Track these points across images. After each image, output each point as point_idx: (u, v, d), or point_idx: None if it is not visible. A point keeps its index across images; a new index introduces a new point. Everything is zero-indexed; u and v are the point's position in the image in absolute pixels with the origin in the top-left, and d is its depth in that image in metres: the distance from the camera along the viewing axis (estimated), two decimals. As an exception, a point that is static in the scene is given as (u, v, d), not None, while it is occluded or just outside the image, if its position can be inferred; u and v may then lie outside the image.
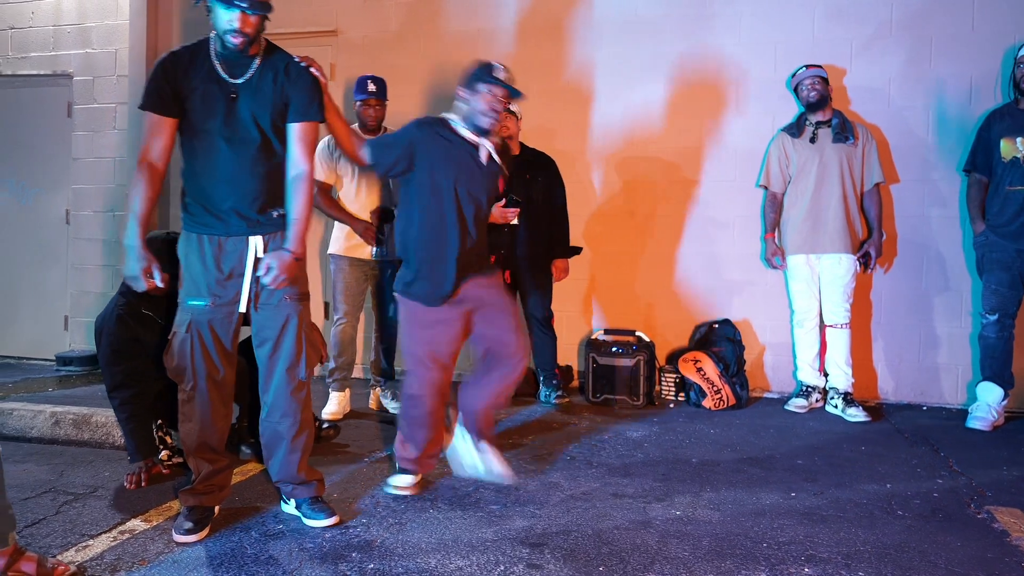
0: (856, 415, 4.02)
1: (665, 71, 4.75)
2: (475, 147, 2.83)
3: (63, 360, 5.45)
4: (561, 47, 4.91)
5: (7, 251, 5.84)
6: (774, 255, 4.37)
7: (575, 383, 4.80)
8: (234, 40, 2.32)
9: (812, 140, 4.20)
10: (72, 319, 5.72)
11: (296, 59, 2.51)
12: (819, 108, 4.17)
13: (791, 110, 4.51)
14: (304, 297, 2.51)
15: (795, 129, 4.29)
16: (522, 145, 4.30)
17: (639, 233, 4.81)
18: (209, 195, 2.43)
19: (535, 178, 4.24)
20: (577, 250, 4.39)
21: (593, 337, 4.57)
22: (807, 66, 4.20)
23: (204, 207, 2.44)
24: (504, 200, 3.95)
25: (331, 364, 4.04)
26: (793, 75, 4.27)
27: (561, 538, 2.43)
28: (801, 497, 2.84)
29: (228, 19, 2.29)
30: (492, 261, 4.10)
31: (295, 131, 2.45)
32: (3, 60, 5.79)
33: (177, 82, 2.37)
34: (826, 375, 4.30)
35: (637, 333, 4.53)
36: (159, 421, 3.08)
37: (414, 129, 2.81)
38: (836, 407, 4.16)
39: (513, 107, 4.14)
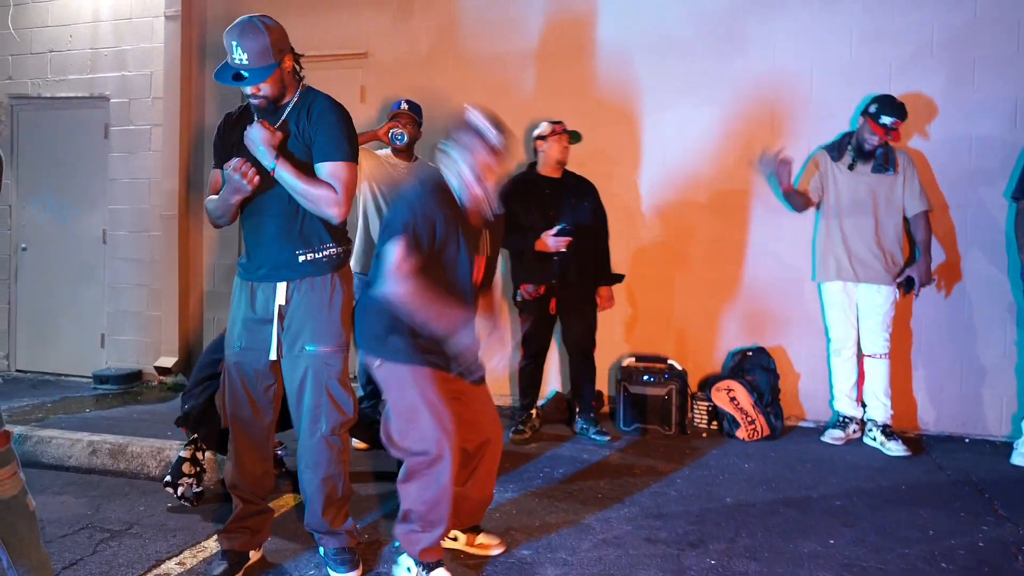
0: (896, 449, 3.92)
1: (697, 93, 4.68)
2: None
3: (100, 378, 5.56)
4: (591, 69, 4.87)
5: (46, 269, 5.96)
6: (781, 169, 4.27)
7: (605, 409, 4.76)
8: (254, 103, 2.39)
9: (851, 167, 4.11)
10: (108, 337, 5.82)
11: (324, 99, 2.46)
12: (868, 157, 4.07)
13: (827, 131, 4.42)
14: (337, 350, 2.44)
15: (835, 151, 4.18)
16: (565, 171, 4.21)
17: (670, 257, 4.75)
18: (249, 241, 2.50)
19: (579, 205, 4.16)
20: (620, 277, 4.32)
21: (624, 364, 4.52)
22: (893, 117, 3.90)
23: (248, 253, 2.51)
24: (555, 229, 3.93)
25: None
26: (876, 114, 3.95)
27: (594, 590, 2.40)
28: (840, 545, 2.77)
29: (247, 90, 2.36)
30: (544, 291, 4.09)
31: (321, 170, 2.39)
32: (43, 83, 5.92)
33: (226, 138, 2.50)
34: (864, 405, 4.20)
35: (669, 361, 4.47)
36: (195, 436, 3.14)
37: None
38: (875, 439, 4.06)
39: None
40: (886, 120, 3.93)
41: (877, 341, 4.08)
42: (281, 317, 2.43)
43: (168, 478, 3.10)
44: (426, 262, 2.36)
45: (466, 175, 2.43)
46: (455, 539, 2.71)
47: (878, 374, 4.08)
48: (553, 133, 4.10)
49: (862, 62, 4.43)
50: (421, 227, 2.34)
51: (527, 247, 4.03)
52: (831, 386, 4.35)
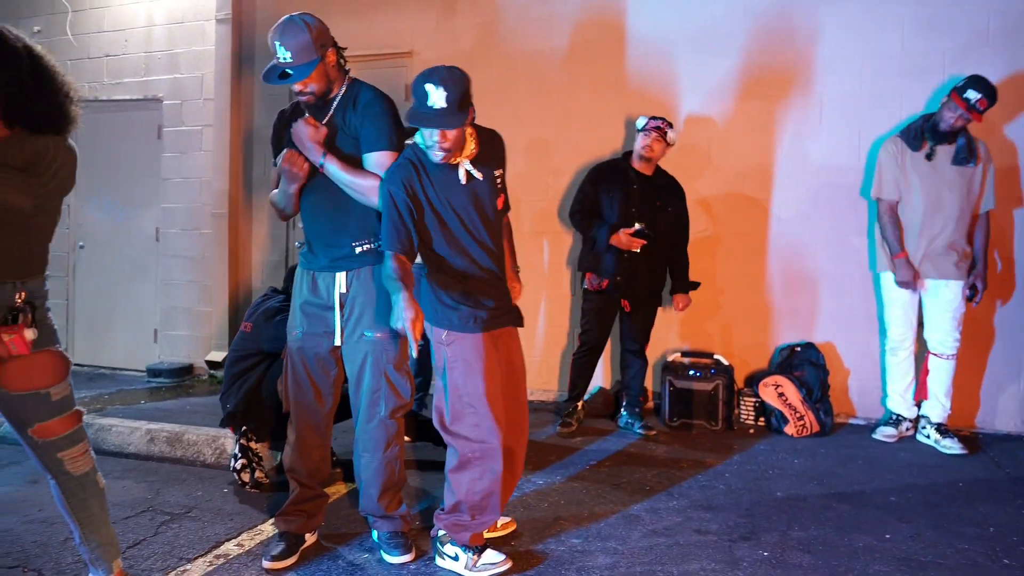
0: (952, 447, 3.83)
1: (743, 87, 4.64)
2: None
3: (153, 372, 5.70)
4: (635, 65, 4.86)
5: (102, 267, 6.15)
6: (914, 279, 3.90)
7: (650, 404, 4.74)
8: (302, 99, 2.46)
9: (929, 157, 3.91)
10: (161, 332, 5.98)
11: (369, 90, 2.52)
12: (948, 139, 3.87)
13: (878, 124, 4.34)
14: (392, 336, 2.49)
15: (915, 140, 3.96)
16: (658, 168, 4.16)
17: (717, 252, 4.71)
18: (308, 233, 2.58)
19: (665, 207, 4.11)
20: (696, 285, 4.28)
21: (670, 359, 4.50)
22: (980, 97, 3.68)
23: (308, 245, 2.58)
24: (633, 229, 3.92)
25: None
26: (962, 91, 3.74)
27: (646, 578, 2.40)
28: (896, 540, 2.73)
29: (295, 87, 2.42)
30: (605, 285, 4.08)
31: (367, 161, 2.45)
32: (99, 86, 6.11)
33: (281, 134, 2.58)
34: (919, 404, 4.10)
35: (715, 356, 4.44)
36: (245, 429, 3.23)
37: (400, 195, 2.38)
38: (929, 437, 3.97)
39: (670, 134, 4.04)
40: (971, 95, 3.70)
41: (946, 341, 3.91)
42: (342, 304, 2.49)
43: (235, 465, 3.22)
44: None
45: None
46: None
47: (943, 374, 3.93)
48: (644, 128, 4.04)
49: (914, 53, 4.34)
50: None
51: (601, 238, 4.03)
52: (884, 384, 4.26)
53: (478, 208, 2.45)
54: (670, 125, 4.06)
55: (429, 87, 2.24)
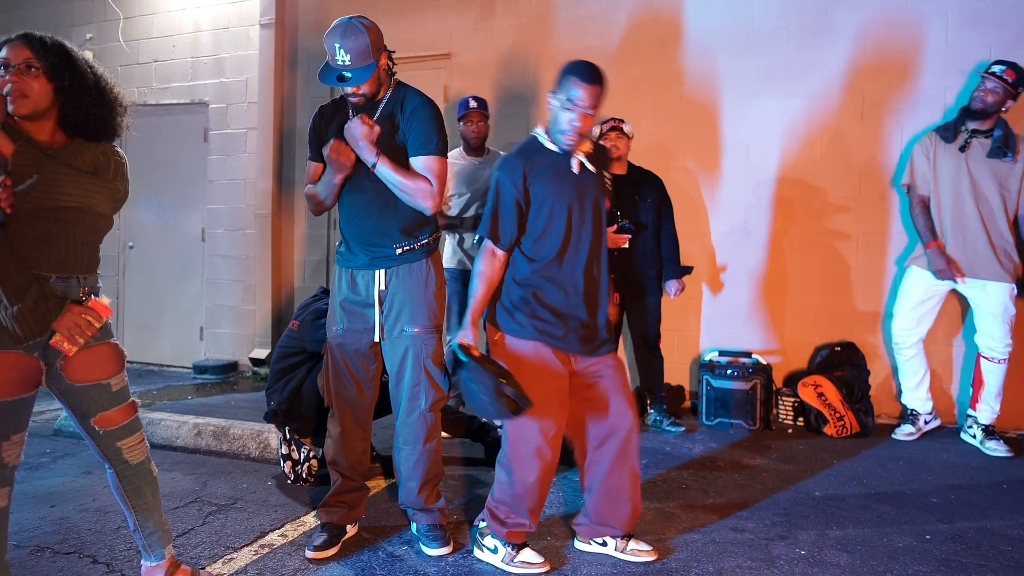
0: (996, 449, 3.75)
1: (783, 84, 4.60)
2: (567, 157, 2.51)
3: (199, 368, 5.87)
4: (674, 63, 4.85)
5: (151, 266, 6.35)
6: (949, 265, 3.79)
7: (686, 404, 4.73)
8: (354, 100, 2.51)
9: (962, 149, 3.83)
10: (207, 330, 6.15)
11: (416, 94, 2.58)
12: (981, 118, 3.78)
13: (921, 120, 4.28)
14: (430, 330, 2.57)
15: (948, 132, 3.89)
16: (630, 164, 4.27)
17: (756, 250, 4.68)
18: (347, 232, 2.62)
19: (644, 199, 4.21)
20: (688, 269, 4.32)
21: (708, 359, 4.48)
22: (1006, 68, 3.68)
23: (346, 243, 2.64)
24: (616, 226, 3.95)
25: None
26: (986, 68, 3.80)
27: (682, 573, 2.41)
28: (937, 540, 2.69)
29: (347, 89, 2.47)
30: None
31: (416, 164, 2.51)
32: (148, 91, 6.31)
33: (322, 132, 2.62)
34: (968, 400, 4.02)
35: (754, 355, 4.41)
36: (288, 428, 3.32)
37: (509, 185, 2.45)
38: (975, 437, 3.89)
39: (626, 127, 4.14)
40: (996, 68, 3.72)
41: (998, 345, 3.80)
42: (380, 301, 2.55)
43: (299, 456, 3.34)
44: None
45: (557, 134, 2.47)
46: (604, 544, 2.57)
47: (994, 378, 3.84)
48: (603, 135, 4.12)
49: (959, 47, 4.26)
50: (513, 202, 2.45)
51: None
52: (897, 382, 4.21)
53: (582, 201, 2.48)
54: (622, 120, 4.13)
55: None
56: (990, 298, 3.81)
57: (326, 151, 2.49)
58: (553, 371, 2.45)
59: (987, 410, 3.88)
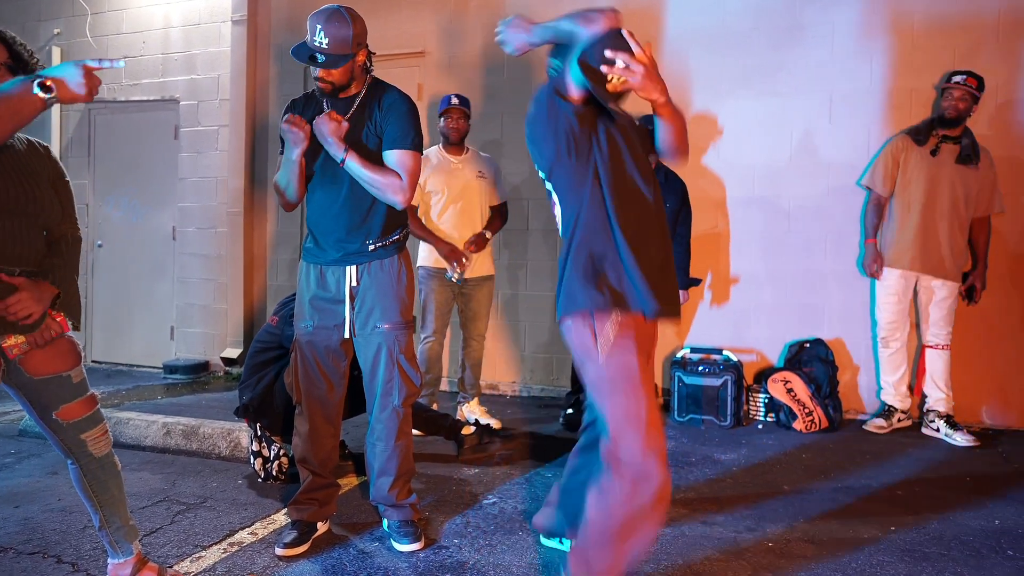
0: (961, 439, 3.85)
1: (754, 84, 4.66)
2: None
3: (170, 368, 5.80)
4: (646, 62, 4.88)
5: (120, 265, 6.25)
6: (875, 262, 4.13)
7: (659, 400, 4.76)
8: (321, 87, 2.49)
9: (934, 153, 3.99)
10: (178, 329, 6.07)
11: (393, 91, 2.58)
12: (953, 125, 3.96)
13: (889, 121, 4.35)
14: (402, 326, 2.57)
15: (920, 136, 4.04)
16: (659, 163, 4.12)
17: (727, 248, 4.74)
18: (316, 227, 2.60)
19: (665, 202, 4.13)
20: (696, 281, 4.33)
21: (679, 355, 4.52)
22: (965, 76, 3.91)
23: (314, 238, 2.61)
24: None
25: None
26: (947, 80, 4.01)
27: (651, 566, 2.43)
28: (901, 532, 2.74)
29: (315, 72, 2.46)
30: None
31: (389, 158, 2.51)
32: (118, 87, 6.22)
33: None
34: (923, 396, 4.13)
35: (724, 352, 4.46)
36: (259, 424, 3.29)
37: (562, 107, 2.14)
38: (938, 430, 3.98)
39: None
40: (957, 78, 3.92)
41: (940, 332, 4.04)
42: (352, 297, 2.54)
43: (269, 452, 3.30)
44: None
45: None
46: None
47: (940, 364, 4.02)
48: None
49: (925, 49, 4.35)
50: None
51: None
52: (877, 377, 4.29)
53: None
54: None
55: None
56: (945, 293, 4.02)
57: (282, 124, 2.46)
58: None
59: (942, 399, 4.01)
